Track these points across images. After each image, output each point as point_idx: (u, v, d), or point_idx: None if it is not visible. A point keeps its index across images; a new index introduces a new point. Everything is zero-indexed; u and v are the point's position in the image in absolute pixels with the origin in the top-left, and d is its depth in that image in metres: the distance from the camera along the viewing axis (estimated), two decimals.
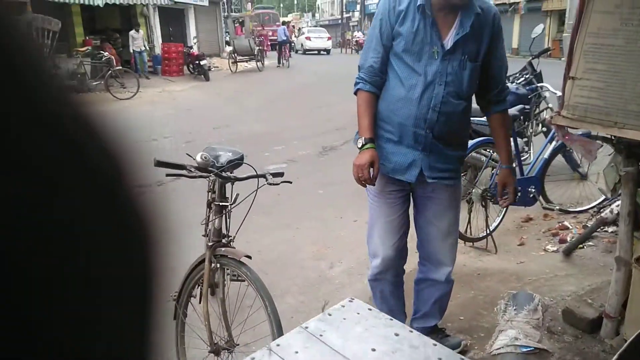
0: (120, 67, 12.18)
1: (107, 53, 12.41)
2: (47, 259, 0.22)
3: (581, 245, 3.10)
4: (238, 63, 18.04)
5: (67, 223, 0.23)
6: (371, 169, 1.81)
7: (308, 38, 27.85)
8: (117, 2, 14.58)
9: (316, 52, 27.72)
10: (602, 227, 3.08)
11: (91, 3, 13.65)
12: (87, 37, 15.22)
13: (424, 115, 1.79)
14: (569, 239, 3.26)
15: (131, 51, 14.92)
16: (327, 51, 28.07)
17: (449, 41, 1.77)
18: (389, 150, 1.90)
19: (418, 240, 2.10)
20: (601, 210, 3.35)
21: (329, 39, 28.48)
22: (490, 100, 1.95)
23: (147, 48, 16.02)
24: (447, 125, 1.82)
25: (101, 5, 14.03)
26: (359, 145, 1.84)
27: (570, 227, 3.47)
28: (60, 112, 0.23)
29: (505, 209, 3.31)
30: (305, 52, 27.65)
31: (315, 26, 35.64)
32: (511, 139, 2.52)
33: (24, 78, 0.22)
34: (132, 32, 14.98)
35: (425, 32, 1.75)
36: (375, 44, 1.86)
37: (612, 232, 3.14)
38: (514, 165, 2.27)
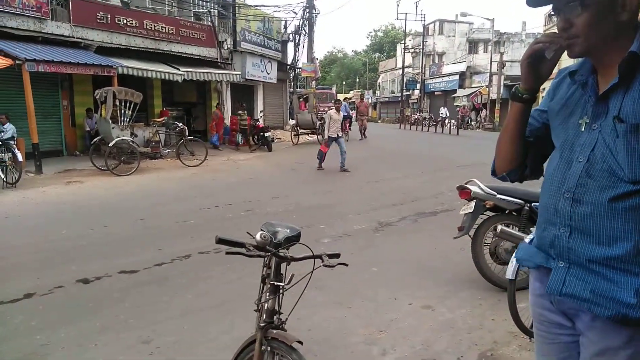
0: (191, 137, 13.07)
1: (180, 124, 13.42)
2: None
3: None
4: (300, 136, 18.94)
5: None
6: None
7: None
8: (194, 79, 15.97)
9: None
10: None
11: (171, 78, 15.04)
12: (165, 108, 16.66)
13: (555, 204, 1.31)
14: None
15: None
16: None
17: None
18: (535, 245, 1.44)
19: None
20: None
21: None
22: None
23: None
24: (594, 222, 1.23)
25: (180, 81, 15.42)
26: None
27: None
28: None
29: None
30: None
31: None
32: None
33: None
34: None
35: (577, 99, 1.34)
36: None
37: None
38: None
